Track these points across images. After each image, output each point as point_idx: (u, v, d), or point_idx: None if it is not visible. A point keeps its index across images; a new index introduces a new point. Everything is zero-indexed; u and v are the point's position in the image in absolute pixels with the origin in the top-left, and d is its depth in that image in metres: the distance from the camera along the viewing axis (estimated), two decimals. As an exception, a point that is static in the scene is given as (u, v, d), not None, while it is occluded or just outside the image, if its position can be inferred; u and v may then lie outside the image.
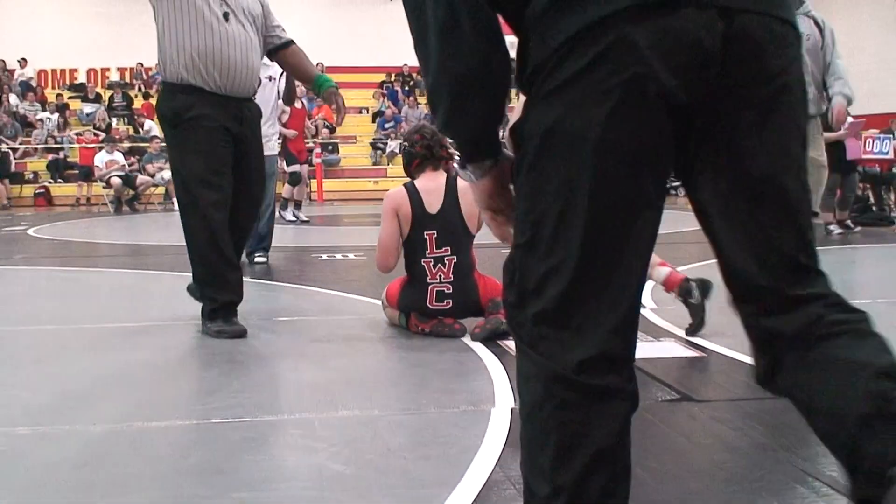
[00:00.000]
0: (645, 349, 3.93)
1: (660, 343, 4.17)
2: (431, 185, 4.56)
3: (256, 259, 7.64)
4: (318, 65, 25.01)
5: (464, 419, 3.05)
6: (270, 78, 7.72)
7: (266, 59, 6.77)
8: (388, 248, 4.59)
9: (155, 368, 3.91)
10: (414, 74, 25.97)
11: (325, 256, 8.33)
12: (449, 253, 4.49)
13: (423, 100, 25.03)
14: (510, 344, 4.14)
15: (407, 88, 25.26)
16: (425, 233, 4.50)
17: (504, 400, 3.26)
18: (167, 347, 4.39)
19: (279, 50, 4.91)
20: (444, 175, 4.62)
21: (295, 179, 12.71)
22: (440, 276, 4.49)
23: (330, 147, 22.35)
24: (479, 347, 4.14)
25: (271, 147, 7.75)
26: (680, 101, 1.43)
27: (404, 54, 25.40)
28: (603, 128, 1.41)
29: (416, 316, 4.48)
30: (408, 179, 4.68)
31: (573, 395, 1.48)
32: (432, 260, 4.48)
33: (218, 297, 4.58)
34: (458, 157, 1.63)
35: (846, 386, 1.47)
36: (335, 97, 4.86)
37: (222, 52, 4.48)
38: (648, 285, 5.57)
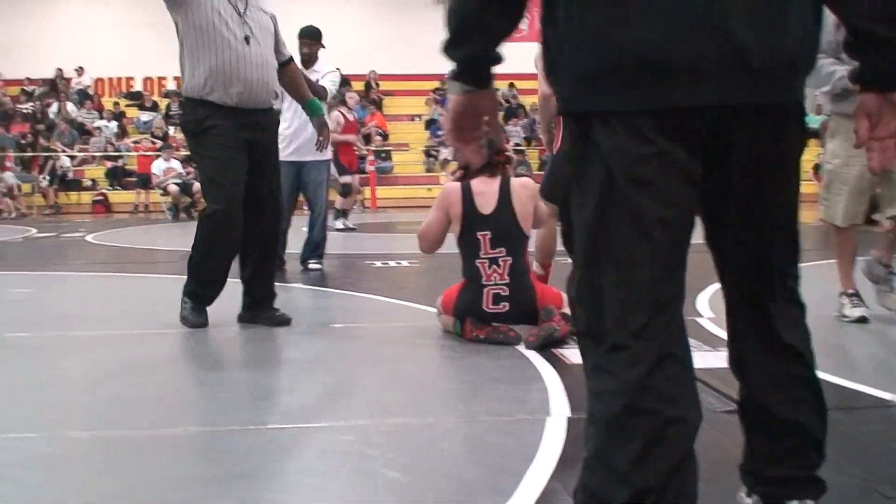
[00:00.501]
0: (702, 359, 3.87)
1: (717, 352, 4.11)
2: (485, 188, 4.58)
3: (311, 266, 7.66)
4: (371, 73, 25.20)
5: (519, 428, 3.04)
6: (316, 83, 7.56)
7: (318, 65, 6.90)
8: (426, 237, 4.74)
9: (208, 373, 3.94)
10: (466, 82, 25.97)
11: (378, 264, 8.35)
12: (504, 254, 4.48)
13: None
14: (564, 352, 4.12)
15: (460, 96, 25.26)
16: (478, 233, 4.50)
17: (559, 409, 3.23)
18: (220, 352, 4.44)
19: (280, 67, 5.18)
20: (499, 179, 4.63)
21: (347, 191, 12.75)
22: (495, 277, 4.47)
23: (383, 154, 22.43)
24: (533, 355, 4.12)
25: (322, 152, 7.68)
26: None
27: (457, 62, 25.44)
28: None
29: (472, 322, 4.47)
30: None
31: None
32: (487, 261, 4.48)
33: (199, 287, 5.01)
34: (449, 72, 1.87)
35: None
36: (321, 128, 5.41)
37: (243, 72, 4.81)
38: (706, 294, 5.52)
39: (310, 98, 5.41)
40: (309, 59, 7.64)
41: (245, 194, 4.90)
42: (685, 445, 1.66)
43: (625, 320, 1.64)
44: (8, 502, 2.43)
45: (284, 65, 5.24)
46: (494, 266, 4.48)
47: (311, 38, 7.68)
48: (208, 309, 4.98)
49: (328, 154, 7.86)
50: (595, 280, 1.69)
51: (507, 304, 4.46)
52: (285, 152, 7.51)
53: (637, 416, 1.61)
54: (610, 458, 1.63)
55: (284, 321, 5.01)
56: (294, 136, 7.57)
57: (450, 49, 1.84)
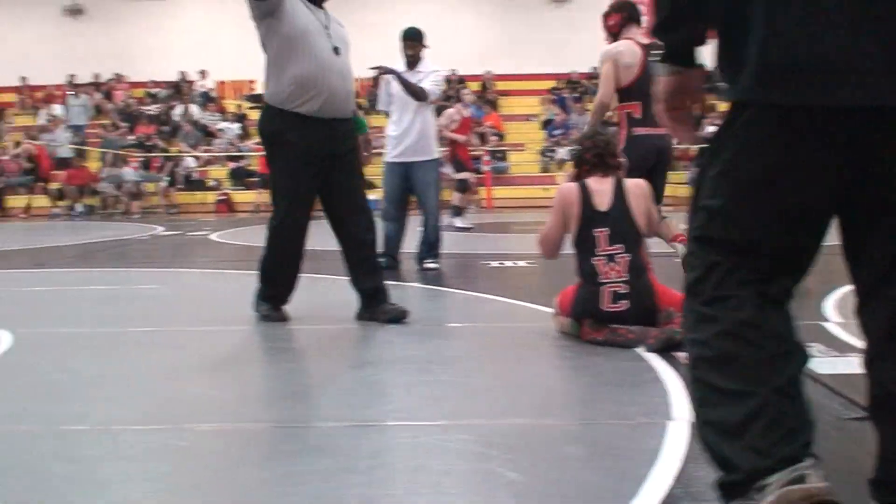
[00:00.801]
0: (830, 364, 3.75)
1: (845, 358, 3.98)
2: (600, 186, 4.57)
3: (427, 265, 7.73)
4: (486, 73, 25.22)
5: (639, 431, 2.99)
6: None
7: (423, 66, 7.15)
8: (548, 241, 4.70)
9: (329, 370, 4.00)
10: (583, 81, 25.78)
11: (494, 263, 8.34)
12: (622, 251, 4.43)
13: (590, 106, 24.83)
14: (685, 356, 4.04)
15: (576, 95, 25.08)
16: (595, 230, 4.46)
17: (681, 413, 3.17)
18: (342, 349, 4.49)
19: None
20: (612, 178, 4.61)
21: (463, 186, 12.80)
22: (613, 274, 4.41)
23: (499, 154, 22.42)
24: (652, 358, 4.05)
25: (429, 153, 7.77)
26: None
27: (574, 60, 25.28)
28: None
29: (589, 325, 4.42)
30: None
31: None
32: (604, 258, 4.43)
33: (271, 290, 5.26)
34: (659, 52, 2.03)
35: None
36: (365, 146, 6.00)
37: (330, 81, 4.97)
38: (833, 298, 5.35)
39: (357, 115, 5.83)
40: (413, 61, 7.69)
41: (335, 201, 5.15)
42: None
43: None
44: (133, 492, 2.50)
45: None
46: (612, 263, 4.42)
47: (414, 39, 7.71)
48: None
49: (435, 153, 7.93)
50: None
51: (626, 301, 4.38)
52: (392, 154, 7.72)
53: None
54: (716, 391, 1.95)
55: (399, 315, 5.08)
56: (400, 138, 7.65)
57: (662, 32, 1.98)
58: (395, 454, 2.81)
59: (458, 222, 12.85)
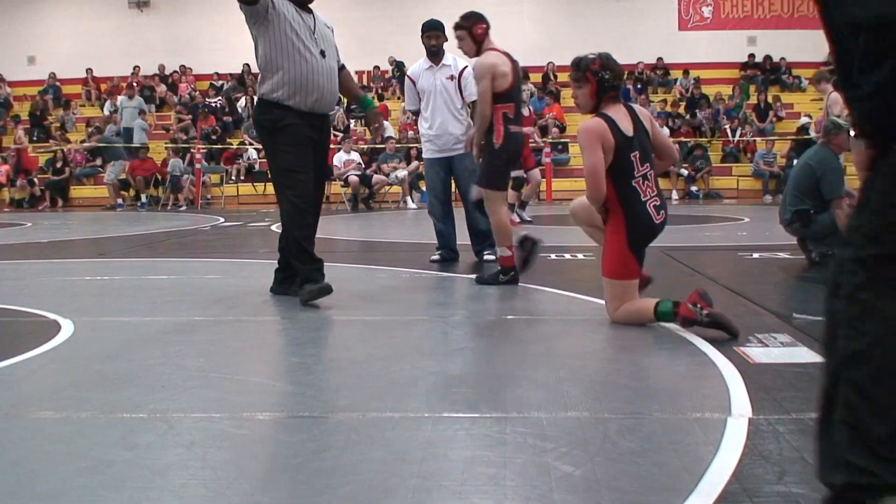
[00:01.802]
0: None
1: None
2: (619, 115, 4.75)
3: (486, 257, 7.74)
4: (549, 64, 25.08)
5: (698, 426, 2.95)
6: (451, 77, 7.74)
7: (446, 59, 7.40)
8: (598, 176, 4.66)
9: (385, 360, 4.00)
10: (647, 72, 25.54)
11: (553, 256, 8.30)
12: (649, 169, 4.75)
13: (654, 97, 24.59)
14: (747, 351, 3.98)
15: (639, 86, 24.86)
16: (631, 155, 4.67)
17: (741, 409, 3.12)
18: (398, 339, 4.49)
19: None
20: (621, 104, 4.85)
21: (518, 184, 12.77)
22: (650, 192, 4.71)
23: (559, 146, 22.30)
24: (713, 353, 3.99)
25: (430, 150, 7.88)
26: None
27: (637, 52, 25.05)
28: None
29: (698, 297, 4.38)
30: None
31: None
32: (640, 178, 4.69)
33: (312, 263, 5.53)
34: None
35: None
36: (377, 118, 6.49)
37: (318, 82, 5.55)
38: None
39: (362, 95, 6.44)
40: (437, 52, 7.77)
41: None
42: None
43: None
44: (190, 479, 2.52)
45: (340, 70, 5.92)
46: (647, 182, 4.72)
47: (437, 29, 7.79)
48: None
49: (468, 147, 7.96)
50: None
51: (664, 212, 4.78)
52: (431, 150, 7.82)
53: None
54: None
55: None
56: (437, 135, 7.73)
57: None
58: (449, 445, 2.80)
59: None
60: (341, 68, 5.98)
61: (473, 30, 6.32)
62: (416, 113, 8.03)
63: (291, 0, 5.56)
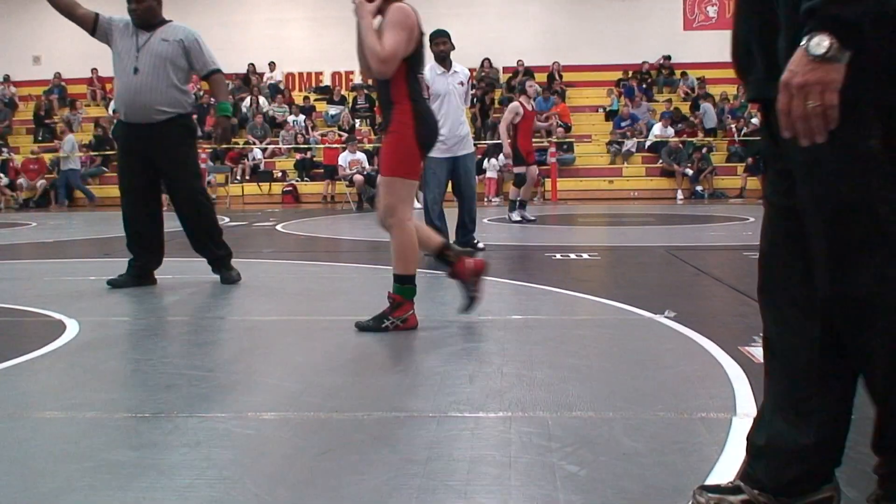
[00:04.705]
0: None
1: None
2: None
3: (479, 245, 8.44)
4: (553, 64, 25.06)
5: (703, 426, 2.94)
6: (461, 83, 8.38)
7: (455, 66, 7.87)
8: (397, 59, 4.56)
9: (392, 361, 4.00)
10: (652, 73, 25.52)
11: (558, 256, 8.30)
12: None
13: (659, 97, 24.57)
14: (753, 350, 3.98)
15: (644, 86, 24.83)
16: (422, 50, 4.76)
17: (746, 409, 3.11)
18: (403, 340, 4.49)
19: (204, 78, 6.68)
20: None
21: (520, 181, 12.79)
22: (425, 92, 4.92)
23: (565, 146, 22.29)
24: (718, 353, 3.99)
25: (470, 146, 8.43)
26: None
27: (642, 51, 25.03)
28: None
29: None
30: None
31: None
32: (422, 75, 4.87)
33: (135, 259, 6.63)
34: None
35: None
36: (220, 123, 6.90)
37: (131, 97, 6.37)
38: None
39: (220, 101, 6.83)
40: (445, 57, 8.36)
41: (168, 189, 6.69)
42: None
43: None
44: (196, 479, 2.52)
45: (207, 76, 6.63)
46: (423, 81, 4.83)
47: (445, 36, 8.38)
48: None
49: (471, 148, 8.59)
50: None
51: None
52: (440, 149, 7.97)
53: None
54: None
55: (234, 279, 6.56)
56: (448, 136, 8.05)
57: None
58: (455, 445, 2.80)
59: (515, 216, 12.91)
60: (211, 73, 6.59)
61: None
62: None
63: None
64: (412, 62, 4.67)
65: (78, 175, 21.92)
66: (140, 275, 6.59)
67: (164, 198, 6.76)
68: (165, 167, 6.52)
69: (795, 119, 1.74)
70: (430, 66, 8.16)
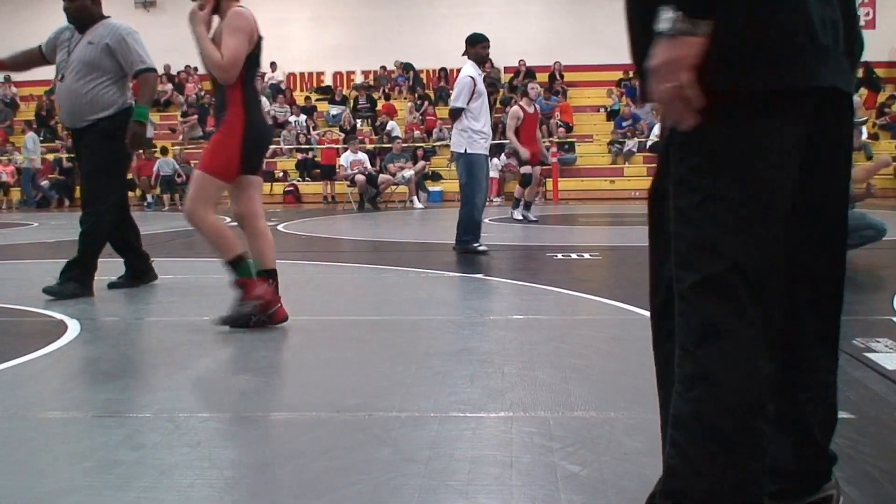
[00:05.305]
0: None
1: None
2: None
3: (480, 248, 8.51)
4: (555, 64, 25.08)
5: (704, 426, 2.94)
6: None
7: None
8: (238, 65, 4.67)
9: (391, 360, 4.00)
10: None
11: (559, 256, 8.30)
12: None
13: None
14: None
15: (646, 87, 24.80)
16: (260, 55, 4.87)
17: (747, 408, 3.11)
18: (404, 339, 4.49)
19: (134, 78, 6.32)
20: None
21: (526, 181, 12.80)
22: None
23: (566, 146, 22.28)
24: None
25: (482, 147, 8.65)
26: None
27: (643, 52, 24.98)
28: None
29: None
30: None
31: None
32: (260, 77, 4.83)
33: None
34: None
35: None
36: (130, 129, 6.15)
37: (59, 101, 6.38)
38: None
39: (138, 105, 6.30)
40: (486, 60, 8.97)
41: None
42: None
43: None
44: (196, 479, 2.52)
45: (135, 76, 6.29)
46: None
47: (487, 40, 8.79)
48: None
49: (486, 148, 8.88)
50: None
51: None
52: (483, 146, 8.67)
53: None
54: None
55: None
56: (488, 133, 8.68)
57: None
58: (456, 445, 2.79)
59: (517, 214, 12.95)
60: (139, 72, 6.24)
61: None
62: (461, 111, 8.62)
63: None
64: (249, 66, 4.74)
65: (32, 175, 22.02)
66: (135, 276, 6.57)
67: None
68: (84, 172, 6.37)
69: (662, 104, 1.64)
70: (471, 66, 8.62)
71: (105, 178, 6.23)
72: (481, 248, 8.57)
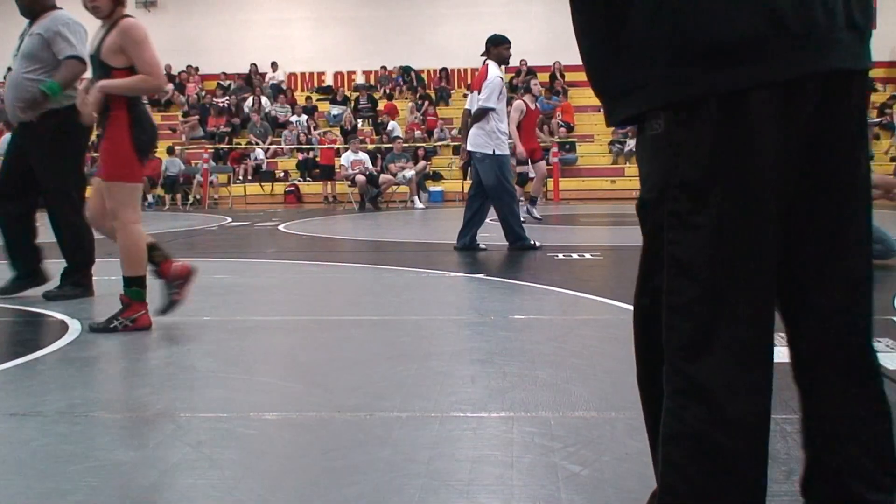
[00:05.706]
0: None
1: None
2: None
3: (481, 246, 8.67)
4: (555, 63, 25.05)
5: (705, 426, 2.93)
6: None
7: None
8: (161, 65, 4.96)
9: (392, 360, 4.00)
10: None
11: (560, 256, 8.29)
12: None
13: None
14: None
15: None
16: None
17: (748, 408, 3.11)
18: (405, 339, 4.49)
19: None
20: None
21: (522, 180, 12.81)
22: None
23: (567, 146, 22.28)
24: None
25: (507, 148, 8.70)
26: None
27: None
28: None
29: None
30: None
31: None
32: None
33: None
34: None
35: None
36: (31, 95, 5.82)
37: (7, 94, 6.07)
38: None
39: (51, 80, 5.86)
40: (507, 61, 9.01)
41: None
42: None
43: None
44: (198, 479, 2.52)
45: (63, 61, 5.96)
46: None
47: (509, 42, 8.93)
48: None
49: (506, 149, 8.87)
50: None
51: None
52: (508, 146, 8.79)
53: None
54: None
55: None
56: (509, 135, 8.86)
57: None
58: (457, 445, 2.79)
59: (521, 212, 12.96)
60: (65, 59, 5.90)
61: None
62: (487, 112, 8.62)
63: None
64: (133, 71, 4.78)
65: None
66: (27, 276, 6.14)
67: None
68: (35, 169, 6.00)
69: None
70: (495, 66, 8.71)
71: (61, 174, 6.05)
72: (482, 245, 8.67)
